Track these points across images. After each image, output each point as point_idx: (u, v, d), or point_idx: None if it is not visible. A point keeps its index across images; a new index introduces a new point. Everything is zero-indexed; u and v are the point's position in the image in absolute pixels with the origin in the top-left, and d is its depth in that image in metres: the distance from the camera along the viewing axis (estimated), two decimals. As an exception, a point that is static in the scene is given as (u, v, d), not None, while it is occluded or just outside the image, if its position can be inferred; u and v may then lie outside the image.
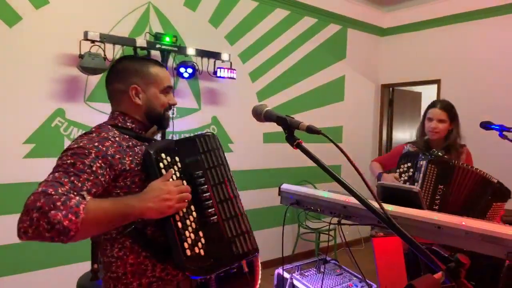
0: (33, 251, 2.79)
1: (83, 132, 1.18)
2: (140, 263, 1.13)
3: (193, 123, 3.60)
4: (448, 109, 2.25)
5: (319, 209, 1.71)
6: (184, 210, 1.08)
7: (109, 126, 1.17)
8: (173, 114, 3.42)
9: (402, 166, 2.17)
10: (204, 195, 1.14)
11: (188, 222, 1.08)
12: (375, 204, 0.91)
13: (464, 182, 2.00)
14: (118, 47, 3.01)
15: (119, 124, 1.21)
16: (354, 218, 1.59)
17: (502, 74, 4.20)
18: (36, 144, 2.80)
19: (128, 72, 1.23)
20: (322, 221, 4.07)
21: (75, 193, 0.95)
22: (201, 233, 1.10)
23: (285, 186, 1.85)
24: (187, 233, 1.07)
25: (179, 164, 1.14)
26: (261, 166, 4.05)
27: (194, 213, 1.11)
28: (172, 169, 1.11)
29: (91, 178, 1.00)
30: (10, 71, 2.69)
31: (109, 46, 2.89)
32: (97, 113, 3.04)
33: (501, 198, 1.99)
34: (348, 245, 1.71)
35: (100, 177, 1.03)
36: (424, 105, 5.99)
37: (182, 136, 3.52)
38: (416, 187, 1.66)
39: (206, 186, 1.15)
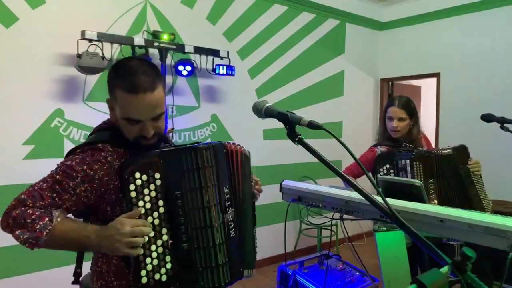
0: (35, 252, 2.79)
1: (81, 140, 1.18)
2: (123, 266, 1.11)
3: (193, 121, 3.59)
4: (406, 106, 2.26)
5: (321, 205, 1.71)
6: (152, 234, 1.03)
7: (99, 145, 1.11)
8: (172, 112, 3.41)
9: (381, 169, 2.15)
10: (179, 218, 1.06)
11: (153, 247, 1.03)
12: (378, 198, 0.91)
13: (444, 168, 2.05)
14: (116, 46, 3.00)
15: (117, 126, 1.16)
16: (356, 213, 1.59)
17: (503, 66, 4.19)
18: (35, 145, 2.79)
19: (109, 82, 1.13)
20: (324, 217, 4.07)
21: (53, 208, 1.04)
22: (168, 258, 1.05)
23: (286, 183, 1.85)
24: (148, 259, 1.02)
25: (158, 182, 1.05)
26: (261, 163, 4.04)
27: (164, 236, 1.05)
28: (140, 209, 1.02)
29: (73, 199, 1.07)
30: (8, 72, 2.68)
31: (107, 45, 2.88)
32: (96, 112, 3.03)
33: (465, 157, 2.07)
34: (350, 240, 1.71)
35: (82, 198, 1.08)
36: (424, 98, 6.01)
37: (182, 135, 3.51)
38: (418, 181, 1.66)
39: (181, 209, 1.06)
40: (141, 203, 1.03)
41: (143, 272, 1.01)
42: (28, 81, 2.75)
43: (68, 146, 2.89)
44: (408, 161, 2.04)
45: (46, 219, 1.01)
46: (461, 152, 2.07)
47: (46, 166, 3.05)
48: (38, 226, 1.00)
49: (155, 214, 1.05)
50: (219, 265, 1.09)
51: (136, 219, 1.01)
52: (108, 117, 1.25)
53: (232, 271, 1.14)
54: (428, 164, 2.03)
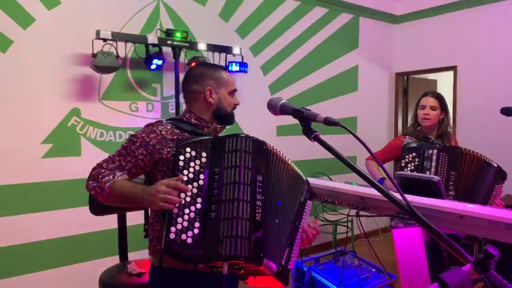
0: (56, 248, 2.85)
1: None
2: (163, 230, 1.20)
3: (207, 118, 3.60)
4: (440, 97, 2.38)
5: (336, 201, 1.70)
6: (188, 199, 1.19)
7: (164, 121, 1.44)
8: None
9: (407, 156, 2.18)
10: (213, 191, 1.21)
11: (187, 210, 1.17)
12: (396, 195, 0.89)
13: (471, 168, 2.07)
14: (130, 44, 3.02)
15: (184, 119, 1.47)
16: (372, 209, 1.58)
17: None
18: (53, 144, 2.84)
19: (204, 76, 1.49)
20: (339, 213, 4.05)
21: (119, 170, 1.35)
22: (197, 224, 1.16)
23: (301, 179, 1.83)
24: (180, 219, 1.15)
25: (203, 159, 1.25)
26: (275, 159, 4.03)
27: (198, 205, 1.19)
28: (183, 176, 1.21)
29: (133, 161, 1.37)
30: (26, 73, 2.73)
31: (121, 44, 2.91)
32: (112, 111, 3.07)
33: (501, 180, 2.11)
34: (366, 236, 1.69)
35: (140, 161, 1.37)
36: (440, 92, 5.89)
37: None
38: (436, 177, 1.63)
39: (217, 183, 1.21)
40: (185, 172, 1.21)
41: (173, 229, 1.13)
42: (45, 81, 2.80)
43: (85, 144, 2.94)
44: (435, 151, 2.08)
45: (111, 176, 1.32)
46: (501, 173, 2.11)
47: (64, 165, 3.10)
48: (104, 179, 1.30)
49: (195, 184, 1.21)
50: (239, 236, 1.14)
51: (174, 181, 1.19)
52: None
53: (250, 247, 1.14)
54: (454, 157, 2.07)
